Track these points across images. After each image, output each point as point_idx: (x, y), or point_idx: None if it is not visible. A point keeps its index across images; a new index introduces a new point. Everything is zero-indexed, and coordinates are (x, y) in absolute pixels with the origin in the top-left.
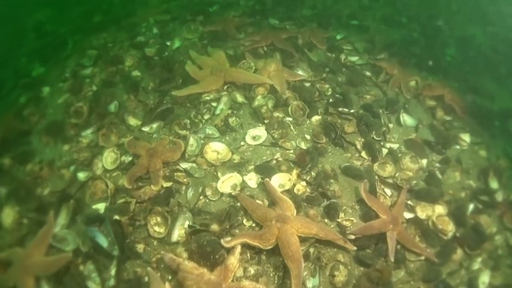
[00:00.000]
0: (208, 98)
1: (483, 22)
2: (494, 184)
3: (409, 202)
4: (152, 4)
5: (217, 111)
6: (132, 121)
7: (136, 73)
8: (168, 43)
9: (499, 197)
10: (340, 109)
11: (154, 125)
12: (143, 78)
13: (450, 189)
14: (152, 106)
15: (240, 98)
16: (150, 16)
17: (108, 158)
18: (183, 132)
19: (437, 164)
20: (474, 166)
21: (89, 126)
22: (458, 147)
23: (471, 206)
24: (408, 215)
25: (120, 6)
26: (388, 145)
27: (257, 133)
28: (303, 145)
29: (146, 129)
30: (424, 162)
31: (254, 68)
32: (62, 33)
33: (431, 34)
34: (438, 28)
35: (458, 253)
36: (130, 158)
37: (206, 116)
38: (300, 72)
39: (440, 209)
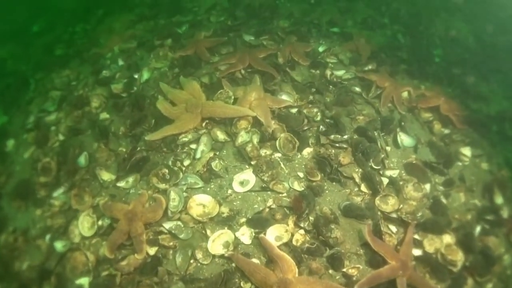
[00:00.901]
0: (186, 139)
1: (467, 15)
2: (499, 200)
3: (415, 236)
4: (116, 30)
5: (198, 155)
6: (106, 176)
7: (104, 115)
8: (136, 76)
9: (505, 213)
10: (333, 136)
11: (130, 179)
12: (113, 121)
13: (456, 213)
14: (125, 156)
15: (221, 136)
16: (114, 45)
17: (85, 223)
18: (163, 186)
19: (441, 187)
20: (477, 182)
21: (60, 185)
22: (460, 163)
23: (478, 229)
24: (416, 251)
25: (82, 35)
26: (388, 173)
27: (245, 178)
28: (296, 186)
29: (121, 184)
30: (427, 187)
31: (233, 98)
32: (23, 72)
33: (416, 34)
34: (421, 26)
35: (469, 284)
36: (108, 222)
37: (186, 162)
38: (284, 97)
39: (447, 238)
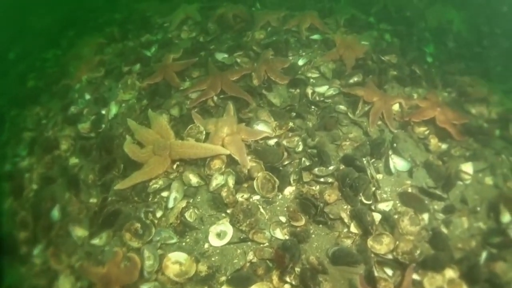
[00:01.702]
0: (156, 186)
1: (460, 3)
2: (505, 218)
3: (414, 276)
4: (85, 56)
5: (170, 204)
6: (79, 232)
7: (73, 160)
8: (104, 111)
9: None
10: (317, 170)
11: (104, 235)
12: (82, 167)
13: (459, 242)
14: (96, 209)
15: (194, 179)
16: (83, 74)
17: (66, 285)
18: (136, 244)
19: (441, 215)
20: (481, 202)
21: (38, 242)
22: (461, 183)
23: (484, 255)
24: None
25: (53, 62)
26: (381, 206)
27: (222, 229)
28: (279, 234)
29: (95, 241)
30: (425, 217)
31: (204, 133)
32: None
33: (404, 32)
34: (409, 21)
35: None
36: (87, 283)
37: (159, 213)
38: (261, 127)
39: (450, 273)
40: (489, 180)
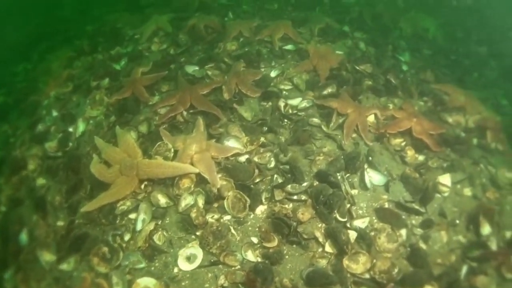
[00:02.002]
0: (124, 207)
1: (434, 9)
2: (485, 229)
3: None
4: (54, 71)
5: (138, 226)
6: (47, 256)
7: (41, 181)
8: (71, 129)
9: (493, 244)
10: (290, 187)
11: (71, 260)
12: (49, 188)
13: (438, 257)
14: (63, 232)
15: (162, 200)
16: (51, 90)
17: None
18: (104, 269)
19: (419, 230)
20: (460, 214)
21: (8, 266)
22: (439, 195)
23: (464, 269)
24: None
25: (22, 77)
26: (356, 223)
27: (191, 252)
28: (251, 256)
29: (63, 266)
30: (403, 233)
31: (173, 150)
32: None
33: (379, 40)
34: (384, 29)
35: None
36: None
37: (127, 237)
38: (231, 143)
39: None
40: (467, 191)
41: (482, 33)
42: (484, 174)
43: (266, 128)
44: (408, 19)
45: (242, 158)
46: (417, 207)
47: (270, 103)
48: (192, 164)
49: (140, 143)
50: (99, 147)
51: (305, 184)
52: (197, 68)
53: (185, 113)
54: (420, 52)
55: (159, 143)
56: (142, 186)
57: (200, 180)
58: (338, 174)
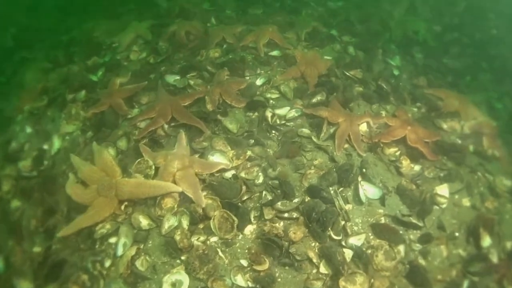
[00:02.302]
0: (103, 231)
1: (424, 10)
2: (486, 242)
3: None
4: (28, 84)
5: (119, 251)
6: (24, 285)
7: (15, 203)
8: (46, 146)
9: (494, 257)
10: (280, 204)
11: None
12: (24, 211)
13: (438, 273)
14: (40, 259)
15: (144, 221)
16: (25, 104)
17: None
18: None
19: (418, 245)
20: (459, 226)
21: None
22: (437, 207)
23: (465, 285)
24: None
25: None
26: (352, 241)
27: (177, 278)
28: (240, 281)
29: None
30: (401, 249)
31: (153, 168)
32: None
33: (369, 44)
34: (374, 32)
35: None
36: None
37: (107, 263)
38: (216, 159)
39: None
40: (466, 202)
41: (474, 35)
42: (482, 183)
43: (253, 141)
44: (398, 22)
45: (228, 174)
46: (414, 221)
47: (256, 114)
48: (174, 182)
49: (119, 160)
50: (75, 166)
51: (296, 200)
52: (178, 77)
53: (166, 126)
54: (411, 56)
55: (139, 160)
56: (122, 207)
57: (184, 200)
58: (331, 188)
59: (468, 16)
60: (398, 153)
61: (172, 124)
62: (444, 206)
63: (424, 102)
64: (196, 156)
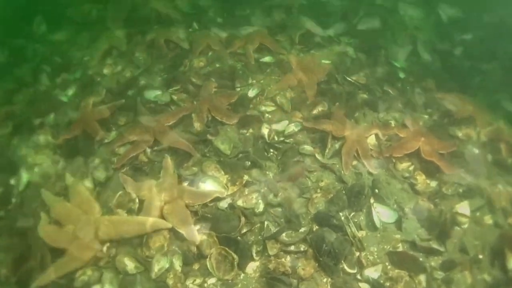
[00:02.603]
0: (84, 278)
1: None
2: (511, 263)
3: None
4: None
5: None
6: None
7: None
8: (13, 181)
9: None
10: (285, 236)
11: None
12: None
13: None
14: None
15: (131, 265)
16: None
17: None
18: None
19: (440, 273)
20: (483, 248)
21: None
22: (458, 228)
23: None
24: None
25: None
26: (368, 273)
27: None
28: None
29: None
30: (422, 279)
31: (137, 201)
32: None
33: (369, 45)
34: (374, 30)
35: None
36: None
37: None
38: (209, 186)
39: None
40: (488, 219)
41: (479, 30)
42: (503, 196)
43: (249, 163)
44: (401, 14)
45: (224, 204)
46: (435, 245)
47: (251, 130)
48: (163, 217)
49: (97, 194)
50: (48, 203)
51: (303, 230)
52: (159, 92)
53: (148, 151)
54: (417, 56)
55: (120, 192)
56: (104, 249)
57: (175, 237)
58: (341, 214)
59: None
60: (411, 168)
61: (156, 148)
62: (465, 226)
63: (435, 108)
64: (185, 184)
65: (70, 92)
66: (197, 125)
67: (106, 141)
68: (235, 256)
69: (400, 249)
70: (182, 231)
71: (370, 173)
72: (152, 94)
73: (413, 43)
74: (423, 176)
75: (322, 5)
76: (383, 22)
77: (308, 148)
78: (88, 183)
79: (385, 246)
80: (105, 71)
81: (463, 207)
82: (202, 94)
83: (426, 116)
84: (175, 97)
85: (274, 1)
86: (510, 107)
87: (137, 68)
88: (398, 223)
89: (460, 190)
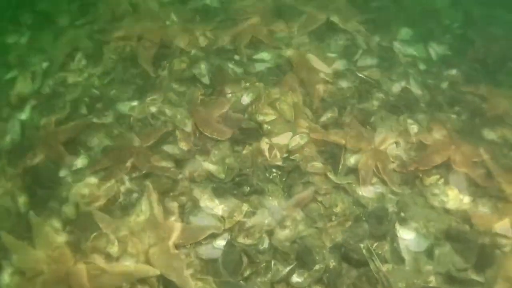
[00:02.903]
0: None
1: None
2: None
3: None
4: None
5: None
6: None
7: None
8: None
9: None
10: (296, 277)
11: None
12: None
13: None
14: None
15: None
16: None
17: None
18: None
19: None
20: None
21: None
22: (498, 251)
23: None
24: None
25: None
26: None
27: None
28: None
29: None
30: None
31: (116, 243)
32: None
33: (381, 31)
34: (385, 12)
35: None
36: None
37: None
38: (201, 220)
39: None
40: None
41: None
42: None
43: (249, 188)
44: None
45: (221, 241)
46: (473, 276)
47: (248, 147)
48: (148, 262)
49: (68, 235)
50: (10, 250)
51: (317, 267)
52: (135, 103)
53: (126, 179)
54: (438, 40)
55: (95, 233)
56: None
57: (164, 285)
58: (361, 245)
59: None
60: (440, 182)
61: (134, 175)
62: (507, 249)
63: (463, 105)
64: (173, 219)
65: (27, 110)
66: (182, 145)
67: (74, 168)
68: None
69: (433, 283)
70: (172, 277)
71: (393, 192)
72: (126, 106)
73: (430, 23)
74: (455, 191)
75: None
76: (396, 2)
77: (317, 165)
78: (56, 223)
79: (415, 281)
80: (69, 79)
81: (503, 226)
82: (186, 104)
83: (454, 116)
84: (153, 109)
85: None
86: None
87: (106, 74)
88: (429, 252)
89: (499, 206)
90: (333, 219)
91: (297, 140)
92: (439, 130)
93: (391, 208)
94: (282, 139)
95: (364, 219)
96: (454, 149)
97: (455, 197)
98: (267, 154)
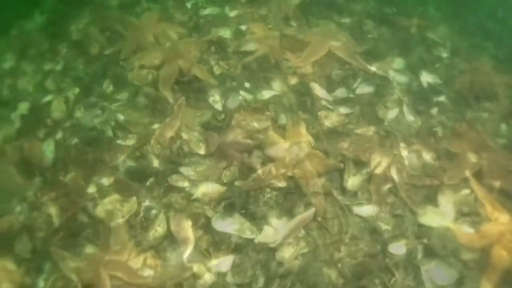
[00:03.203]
0: None
1: None
2: None
3: None
4: None
5: None
6: None
7: None
8: None
9: None
10: None
11: None
12: None
13: None
14: None
15: None
16: None
17: None
18: None
19: None
20: None
21: None
22: None
23: None
24: None
25: None
26: None
27: None
28: None
29: None
30: None
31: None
32: None
33: (393, 11)
34: None
35: None
36: None
37: None
38: (182, 256)
39: None
40: None
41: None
42: None
43: (238, 214)
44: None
45: (207, 280)
46: None
47: (235, 163)
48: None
49: (22, 277)
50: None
51: None
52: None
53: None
54: (461, 19)
55: (55, 275)
56: None
57: None
58: (376, 281)
59: None
60: (471, 198)
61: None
62: None
63: (495, 102)
64: (148, 255)
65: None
66: (155, 162)
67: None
68: None
69: None
70: None
71: (413, 212)
72: (89, 115)
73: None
74: (490, 208)
75: None
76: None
77: (320, 182)
78: (9, 263)
79: None
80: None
81: None
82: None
83: (485, 115)
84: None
85: None
86: None
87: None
88: (460, 284)
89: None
90: (342, 249)
91: (295, 152)
92: (467, 134)
93: (412, 233)
94: (277, 151)
95: (379, 248)
96: (486, 157)
97: (490, 215)
98: (260, 171)
